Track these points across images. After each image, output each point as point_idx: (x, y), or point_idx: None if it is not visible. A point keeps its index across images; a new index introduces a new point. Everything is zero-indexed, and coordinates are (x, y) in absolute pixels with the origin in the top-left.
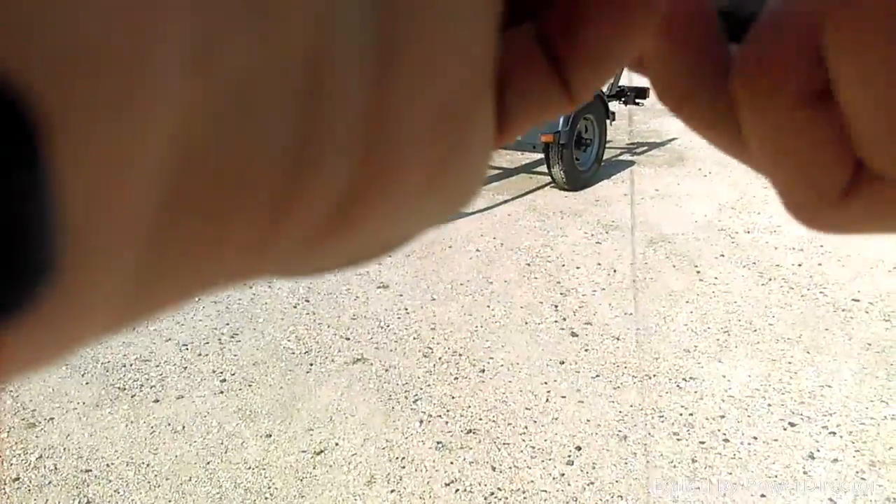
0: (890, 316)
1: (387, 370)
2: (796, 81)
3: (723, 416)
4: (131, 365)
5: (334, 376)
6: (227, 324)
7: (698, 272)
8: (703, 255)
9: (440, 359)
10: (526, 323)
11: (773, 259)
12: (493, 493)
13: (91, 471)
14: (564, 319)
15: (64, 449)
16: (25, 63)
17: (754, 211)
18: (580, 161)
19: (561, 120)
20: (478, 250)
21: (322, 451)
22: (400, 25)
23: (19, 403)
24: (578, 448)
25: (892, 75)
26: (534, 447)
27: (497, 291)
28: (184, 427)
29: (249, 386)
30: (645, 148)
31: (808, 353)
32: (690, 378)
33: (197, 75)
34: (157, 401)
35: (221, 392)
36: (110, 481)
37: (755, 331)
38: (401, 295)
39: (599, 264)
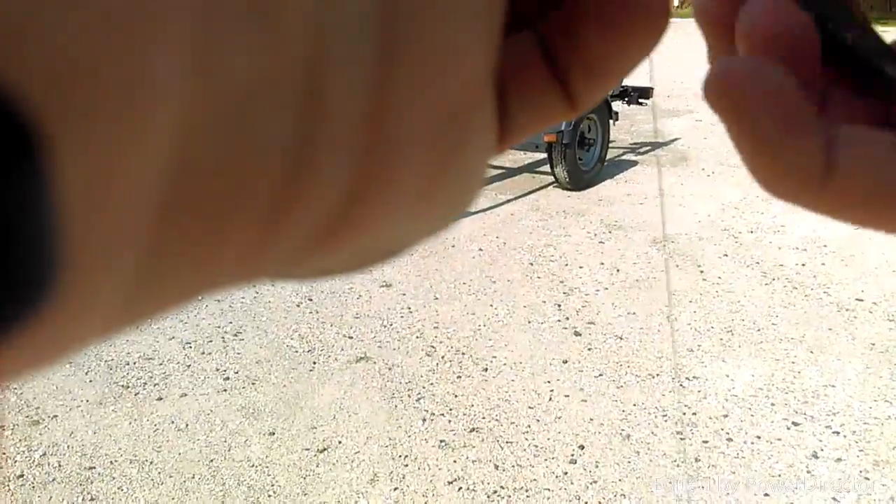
0: (894, 316)
1: (390, 369)
2: None
3: (726, 416)
4: (135, 363)
5: (337, 375)
6: (231, 322)
7: (702, 272)
8: (706, 254)
9: (443, 357)
10: (529, 322)
11: (777, 259)
12: (495, 492)
13: (95, 468)
14: (567, 319)
15: (68, 446)
16: (23, 71)
17: (758, 211)
18: (583, 161)
19: None
20: (481, 250)
21: (325, 449)
22: (400, 26)
23: (23, 401)
24: (581, 447)
25: None
26: (537, 446)
27: (500, 291)
28: (187, 425)
29: (253, 384)
30: (648, 148)
31: (811, 352)
32: (694, 377)
33: (197, 76)
34: (160, 398)
35: (225, 390)
36: (114, 478)
37: (759, 330)
38: (404, 294)
39: (602, 264)
